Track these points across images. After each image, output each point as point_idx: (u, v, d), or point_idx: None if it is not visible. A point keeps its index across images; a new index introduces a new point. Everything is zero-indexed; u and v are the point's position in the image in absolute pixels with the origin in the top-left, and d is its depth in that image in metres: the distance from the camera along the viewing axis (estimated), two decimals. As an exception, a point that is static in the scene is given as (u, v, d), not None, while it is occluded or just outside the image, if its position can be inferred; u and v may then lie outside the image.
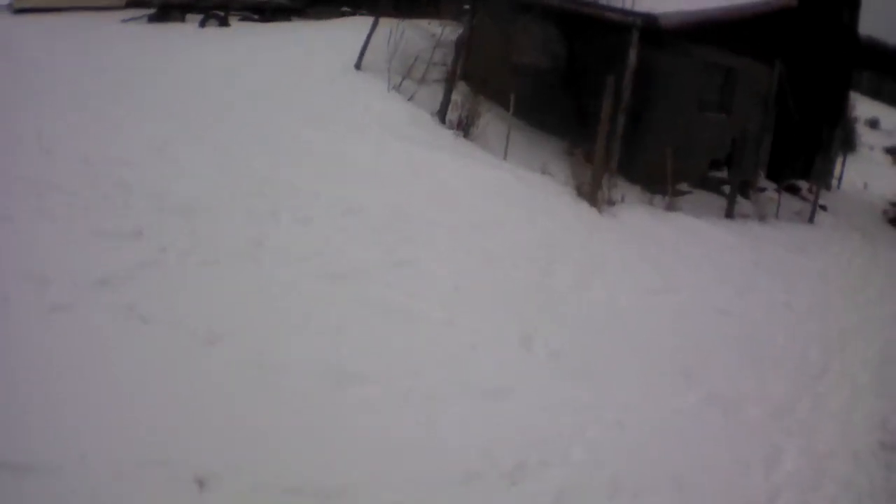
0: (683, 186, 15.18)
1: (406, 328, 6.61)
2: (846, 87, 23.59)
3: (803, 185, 21.44)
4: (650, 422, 6.19)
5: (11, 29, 20.44)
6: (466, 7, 17.75)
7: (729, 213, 14.98)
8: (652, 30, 13.86)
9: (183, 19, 23.15)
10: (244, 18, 21.91)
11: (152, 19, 23.27)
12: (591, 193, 11.74)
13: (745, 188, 16.81)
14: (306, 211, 8.68)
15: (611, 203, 12.14)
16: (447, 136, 12.84)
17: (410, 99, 13.89)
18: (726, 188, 16.07)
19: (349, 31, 18.11)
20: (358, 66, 15.09)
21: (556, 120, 14.85)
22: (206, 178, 8.97)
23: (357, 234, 8.40)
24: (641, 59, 13.89)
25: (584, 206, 11.69)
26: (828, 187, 22.90)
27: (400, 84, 14.22)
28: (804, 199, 20.23)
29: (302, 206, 8.72)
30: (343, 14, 23.05)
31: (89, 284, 5.76)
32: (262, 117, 12.08)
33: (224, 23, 21.14)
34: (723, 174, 16.91)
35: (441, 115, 13.35)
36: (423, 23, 17.70)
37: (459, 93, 15.04)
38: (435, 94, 14.52)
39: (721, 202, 15.89)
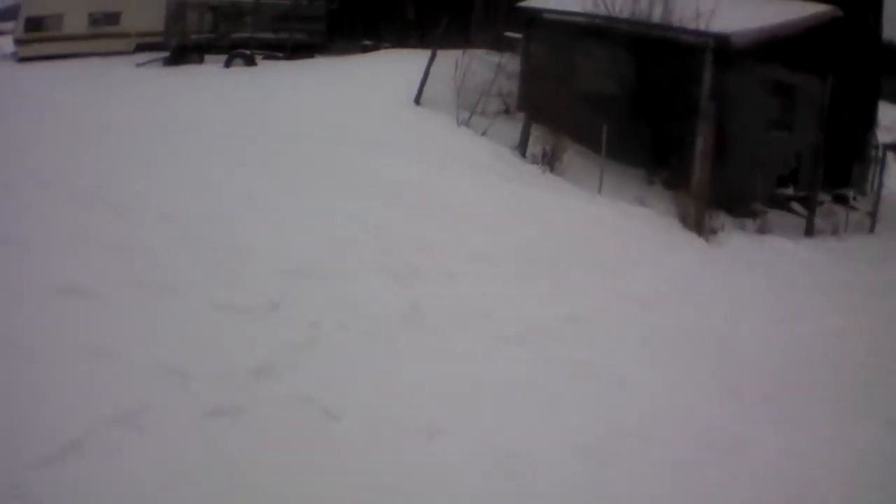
0: (757, 206, 14.82)
1: (615, 393, 6.08)
2: (877, 93, 23.53)
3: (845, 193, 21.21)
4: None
5: (27, 77, 19.77)
6: (513, 35, 17.49)
7: (809, 231, 14.64)
8: (723, 50, 13.53)
9: (201, 60, 22.56)
10: (268, 56, 21.34)
11: (168, 62, 22.68)
12: (698, 223, 11.33)
13: (809, 203, 16.49)
14: (443, 262, 8.10)
15: (713, 231, 11.72)
16: (533, 171, 12.38)
17: (484, 134, 13.40)
18: (794, 205, 15.75)
19: (390, 65, 17.71)
20: (417, 101, 14.60)
21: (625, 147, 14.41)
22: (315, 232, 8.23)
23: (507, 287, 7.87)
24: (713, 80, 13.55)
25: (692, 238, 11.27)
26: (864, 193, 22.72)
27: (469, 119, 13.71)
28: (853, 207, 19.99)
29: (435, 257, 8.15)
30: (365, 48, 22.61)
31: (245, 375, 4.60)
32: (338, 157, 11.47)
33: (251, 62, 20.57)
34: (788, 191, 16.61)
35: (521, 149, 12.87)
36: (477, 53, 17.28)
37: (519, 123, 14.67)
38: (502, 127, 14.08)
39: (792, 220, 15.56)
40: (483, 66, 16.06)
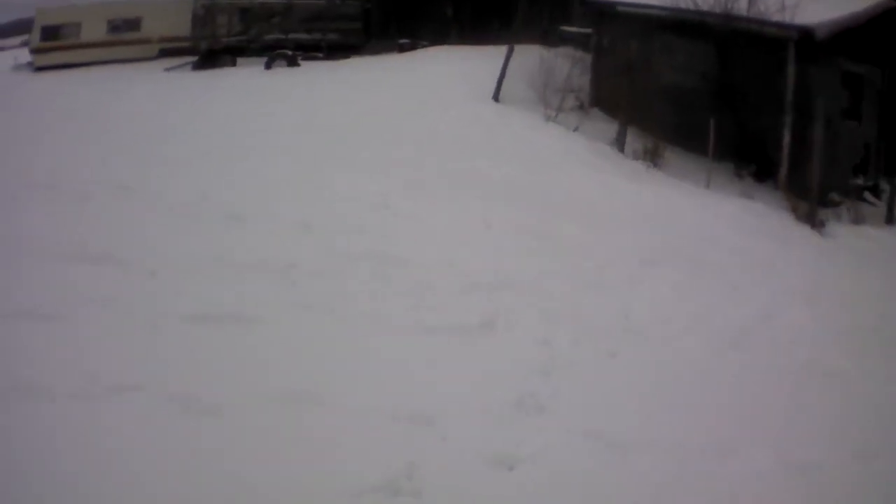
0: (835, 196, 14.66)
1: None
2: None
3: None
4: None
5: (57, 86, 19.18)
6: (571, 30, 17.21)
7: (889, 220, 14.49)
8: (807, 42, 13.34)
9: (233, 63, 22.08)
10: (307, 57, 20.90)
11: (197, 66, 22.17)
12: (810, 217, 11.15)
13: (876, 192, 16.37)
14: (623, 269, 7.80)
15: (821, 224, 11.54)
16: (637, 168, 12.09)
17: (576, 130, 13.11)
18: (866, 194, 15.60)
19: (445, 62, 17.38)
20: (496, 98, 14.26)
21: (706, 140, 14.12)
22: (475, 241, 7.96)
23: (692, 290, 7.59)
24: (797, 72, 13.37)
25: (806, 231, 11.09)
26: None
27: (556, 115, 13.42)
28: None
29: (612, 262, 7.88)
30: (402, 47, 22.22)
31: (510, 409, 4.34)
32: (443, 160, 11.15)
33: (293, 62, 20.12)
34: (859, 181, 16.46)
35: (619, 145, 12.59)
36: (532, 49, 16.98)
37: (595, 118, 14.40)
38: (588, 122, 13.82)
39: (867, 209, 15.41)
40: (546, 62, 15.73)
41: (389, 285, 6.20)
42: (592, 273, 7.41)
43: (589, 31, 16.84)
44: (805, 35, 13.21)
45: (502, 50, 18.01)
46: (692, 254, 8.54)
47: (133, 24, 24.81)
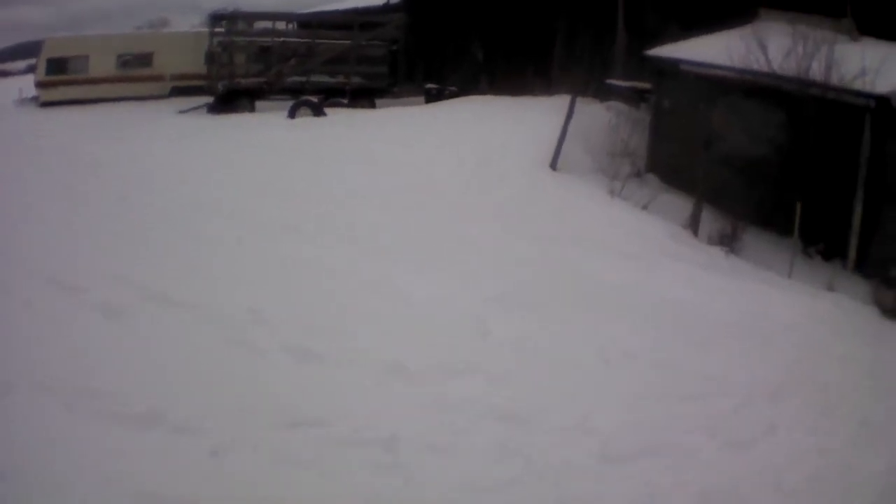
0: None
1: None
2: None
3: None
4: None
5: (71, 128, 17.78)
6: (617, 83, 15.98)
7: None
8: (883, 111, 12.15)
9: (252, 108, 20.75)
10: (330, 103, 19.59)
11: (214, 109, 20.83)
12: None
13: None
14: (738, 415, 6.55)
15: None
16: (716, 254, 10.85)
17: (645, 208, 11.86)
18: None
19: (488, 117, 16.11)
20: (553, 166, 13.02)
21: (775, 214, 12.86)
22: (600, 385, 6.69)
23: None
24: (873, 142, 12.18)
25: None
26: None
27: (622, 189, 12.17)
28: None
29: (758, 409, 6.61)
30: (429, 93, 20.98)
31: None
32: (521, 248, 9.96)
33: (319, 111, 18.79)
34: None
35: (693, 227, 11.35)
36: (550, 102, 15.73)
37: (652, 186, 13.17)
38: (647, 193, 12.57)
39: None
40: (598, 120, 14.52)
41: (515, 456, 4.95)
42: (729, 419, 6.14)
43: (637, 84, 15.59)
44: (882, 103, 12.04)
45: (542, 103, 16.90)
46: (817, 380, 7.26)
47: (145, 58, 23.54)
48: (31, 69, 26.65)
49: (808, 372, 7.55)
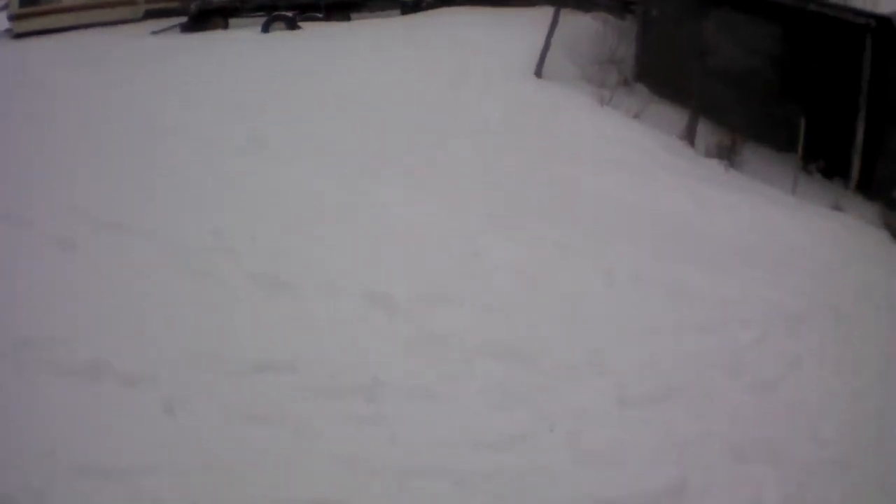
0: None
1: None
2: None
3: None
4: None
5: (40, 58, 16.30)
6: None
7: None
8: (885, 32, 11.11)
9: (226, 25, 19.22)
10: (305, 18, 18.11)
11: (187, 28, 19.29)
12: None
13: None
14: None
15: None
16: (715, 167, 9.85)
17: (636, 117, 10.77)
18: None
19: (469, 27, 14.77)
20: (538, 74, 11.85)
21: (770, 129, 11.80)
22: (606, 313, 5.77)
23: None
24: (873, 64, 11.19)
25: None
26: None
27: (611, 98, 11.04)
28: None
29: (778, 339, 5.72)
30: (405, 6, 19.44)
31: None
32: (511, 161, 8.94)
33: (293, 25, 17.37)
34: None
35: (690, 138, 10.30)
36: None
37: (640, 95, 12.08)
38: (635, 101, 11.48)
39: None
40: (585, 30, 13.28)
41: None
42: (751, 354, 5.25)
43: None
44: (884, 24, 11.02)
45: (524, 13, 15.61)
46: (835, 309, 6.38)
47: (117, -17, 21.68)
48: (4, 8, 24.82)
49: (824, 299, 6.69)
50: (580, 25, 13.51)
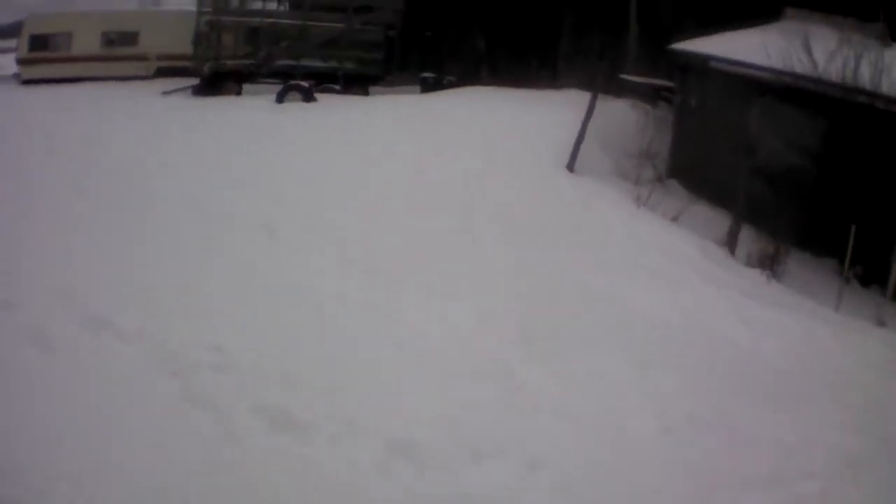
0: None
1: None
2: None
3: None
4: None
5: (45, 107, 15.70)
6: (632, 79, 14.18)
7: None
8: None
9: (239, 91, 18.74)
10: (322, 89, 17.61)
11: (199, 91, 18.81)
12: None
13: None
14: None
15: None
16: (756, 278, 9.09)
17: (675, 220, 10.04)
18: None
19: (492, 109, 14.22)
20: (571, 168, 11.18)
21: (811, 232, 11.01)
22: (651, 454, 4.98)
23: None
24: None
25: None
26: None
27: (648, 197, 10.34)
28: None
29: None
30: (425, 82, 19.04)
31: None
32: (522, 251, 8.23)
33: (309, 97, 16.81)
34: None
35: (731, 246, 9.55)
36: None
37: (673, 192, 11.40)
38: (670, 201, 10.77)
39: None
40: (617, 119, 12.68)
41: None
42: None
43: (655, 81, 13.75)
44: None
45: (548, 95, 15.09)
46: (890, 438, 5.58)
47: (129, 38, 21.42)
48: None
49: (880, 434, 5.85)
50: (612, 113, 12.91)
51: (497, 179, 10.49)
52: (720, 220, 10.32)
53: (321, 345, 5.41)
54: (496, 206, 9.75)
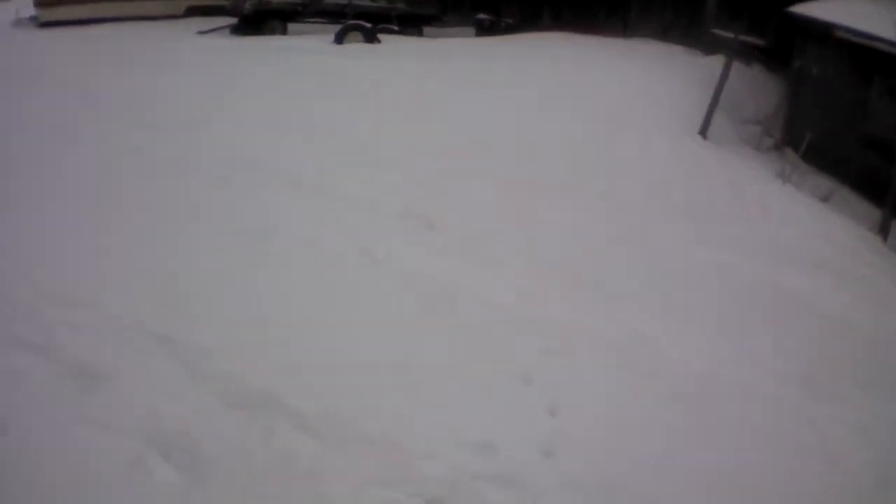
0: None
1: None
2: None
3: None
4: None
5: (67, 52, 14.35)
6: (721, 34, 13.19)
7: None
8: None
9: (284, 30, 17.46)
10: (381, 31, 16.46)
11: (238, 30, 17.54)
12: None
13: None
14: None
15: None
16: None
17: (825, 200, 9.26)
18: None
19: (579, 58, 13.13)
20: (704, 134, 10.29)
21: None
22: None
23: None
24: None
25: None
26: None
27: (790, 173, 9.52)
28: None
29: None
30: (480, 24, 17.87)
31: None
32: (695, 254, 7.37)
33: (372, 38, 15.67)
34: None
35: (884, 233, 8.83)
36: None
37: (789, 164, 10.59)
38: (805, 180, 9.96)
39: None
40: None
41: None
42: None
43: (749, 38, 12.72)
44: None
45: (630, 46, 14.10)
46: None
47: (156, -25, 19.78)
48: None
49: None
50: (713, 72, 11.94)
51: (629, 146, 9.51)
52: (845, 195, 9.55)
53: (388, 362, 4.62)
54: (625, 178, 8.79)
